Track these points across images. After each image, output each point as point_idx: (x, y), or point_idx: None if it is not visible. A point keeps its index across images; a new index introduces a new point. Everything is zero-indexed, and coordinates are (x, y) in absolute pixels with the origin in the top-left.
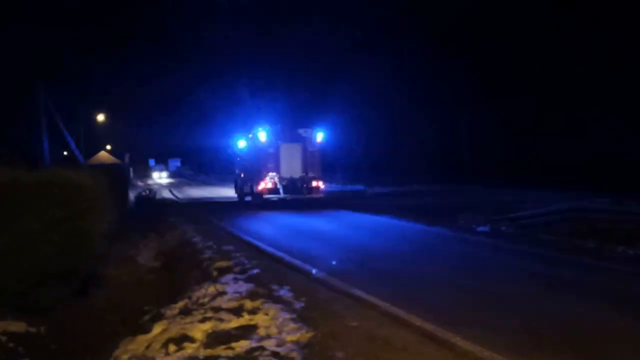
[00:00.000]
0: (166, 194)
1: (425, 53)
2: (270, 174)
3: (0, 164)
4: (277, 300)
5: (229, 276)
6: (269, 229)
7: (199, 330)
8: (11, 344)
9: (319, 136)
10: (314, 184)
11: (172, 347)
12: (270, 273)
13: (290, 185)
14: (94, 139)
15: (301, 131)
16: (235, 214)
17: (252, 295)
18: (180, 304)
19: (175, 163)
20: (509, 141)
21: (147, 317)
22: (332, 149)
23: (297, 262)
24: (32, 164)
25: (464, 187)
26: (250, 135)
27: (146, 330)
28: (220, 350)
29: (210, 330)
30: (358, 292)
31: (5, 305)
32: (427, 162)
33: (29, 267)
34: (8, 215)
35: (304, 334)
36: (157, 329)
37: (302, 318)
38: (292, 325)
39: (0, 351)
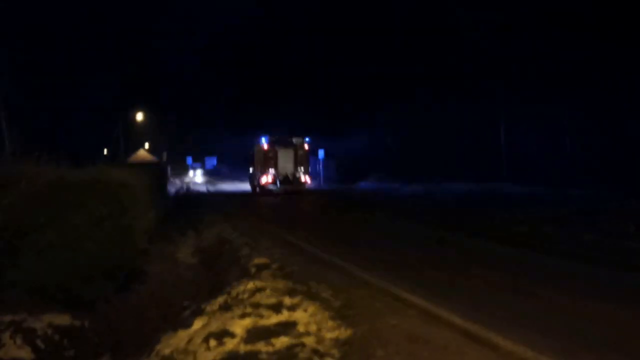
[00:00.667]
0: (201, 188)
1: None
2: (271, 170)
3: (46, 162)
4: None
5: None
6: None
7: (239, 326)
8: (57, 337)
9: (307, 144)
10: (303, 179)
11: (212, 342)
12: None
13: (285, 179)
14: (132, 138)
15: (293, 140)
16: (242, 199)
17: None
18: (220, 299)
19: (212, 161)
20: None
21: (187, 312)
22: (365, 149)
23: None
24: (75, 162)
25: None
26: (258, 142)
27: (187, 325)
28: (261, 346)
29: (250, 326)
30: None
31: (50, 299)
32: (461, 159)
33: (74, 263)
34: (54, 212)
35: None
36: (197, 324)
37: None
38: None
39: (46, 343)
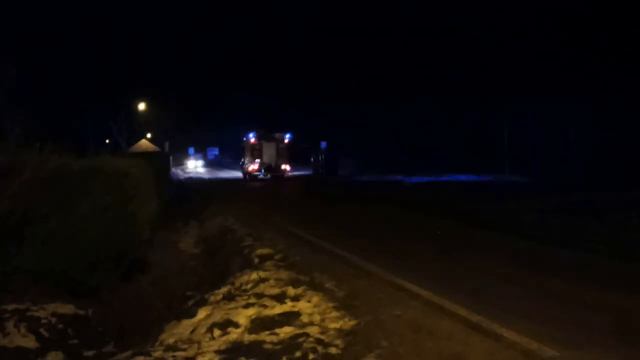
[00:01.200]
0: (202, 176)
1: None
2: (256, 160)
3: (49, 151)
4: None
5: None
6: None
7: (243, 316)
8: (60, 326)
9: (287, 138)
10: (283, 167)
11: (217, 332)
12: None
13: (268, 168)
14: (135, 127)
15: (276, 135)
16: (235, 184)
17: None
18: (224, 289)
19: (214, 152)
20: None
21: (191, 302)
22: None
23: None
24: (78, 151)
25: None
26: (247, 137)
27: (191, 314)
28: (265, 336)
29: (254, 316)
30: None
31: (54, 287)
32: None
33: (77, 251)
34: (58, 200)
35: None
36: (201, 313)
37: None
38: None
39: (51, 332)
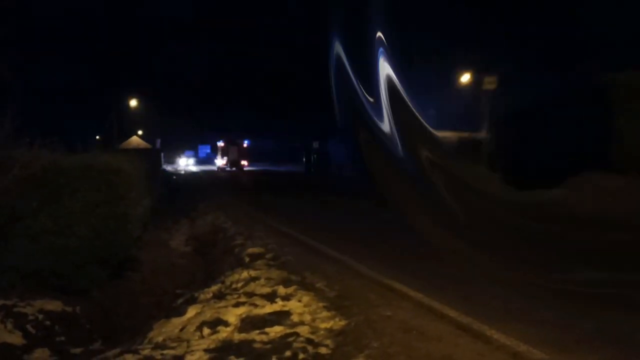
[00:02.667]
0: (190, 170)
1: None
2: (224, 157)
3: (39, 148)
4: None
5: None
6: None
7: (233, 315)
8: (48, 322)
9: (245, 143)
10: (242, 163)
11: (206, 330)
12: None
13: (232, 163)
14: (125, 124)
15: (237, 140)
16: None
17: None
18: (214, 288)
19: (205, 149)
20: None
21: (181, 300)
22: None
23: None
24: (68, 147)
25: None
26: (218, 141)
27: (180, 313)
28: (255, 335)
29: (244, 315)
30: None
31: (43, 285)
32: None
33: (67, 248)
34: (48, 197)
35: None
36: (191, 312)
37: None
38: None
39: (38, 328)
